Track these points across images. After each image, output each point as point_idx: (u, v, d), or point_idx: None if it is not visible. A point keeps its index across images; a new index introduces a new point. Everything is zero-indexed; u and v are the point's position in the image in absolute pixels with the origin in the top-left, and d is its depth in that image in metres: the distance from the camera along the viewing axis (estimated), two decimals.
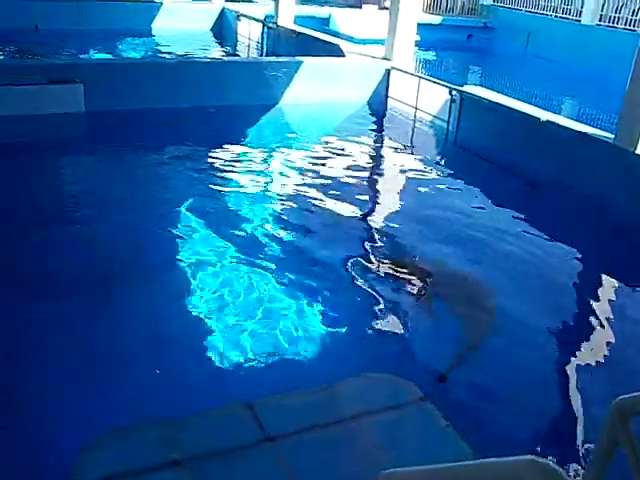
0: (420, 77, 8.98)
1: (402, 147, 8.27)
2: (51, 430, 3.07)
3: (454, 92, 8.10)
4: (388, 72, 9.47)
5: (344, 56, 10.10)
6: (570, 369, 3.90)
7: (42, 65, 8.18)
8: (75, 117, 7.75)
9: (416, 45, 10.49)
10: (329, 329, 4.03)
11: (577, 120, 8.46)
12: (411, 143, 8.52)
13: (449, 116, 8.13)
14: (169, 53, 13.12)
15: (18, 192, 5.85)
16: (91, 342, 3.77)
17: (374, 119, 9.13)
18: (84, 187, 6.20)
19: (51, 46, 12.27)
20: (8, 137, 7.15)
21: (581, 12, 15.99)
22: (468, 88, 8.34)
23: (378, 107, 9.38)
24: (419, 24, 10.20)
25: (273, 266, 4.69)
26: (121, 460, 2.88)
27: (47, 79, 7.63)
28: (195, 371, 3.61)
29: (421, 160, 7.66)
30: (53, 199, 5.87)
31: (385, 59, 9.68)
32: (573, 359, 4.05)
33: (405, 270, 4.81)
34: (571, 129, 6.86)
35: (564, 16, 16.60)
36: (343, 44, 10.80)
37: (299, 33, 12.05)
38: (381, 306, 4.33)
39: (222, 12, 15.83)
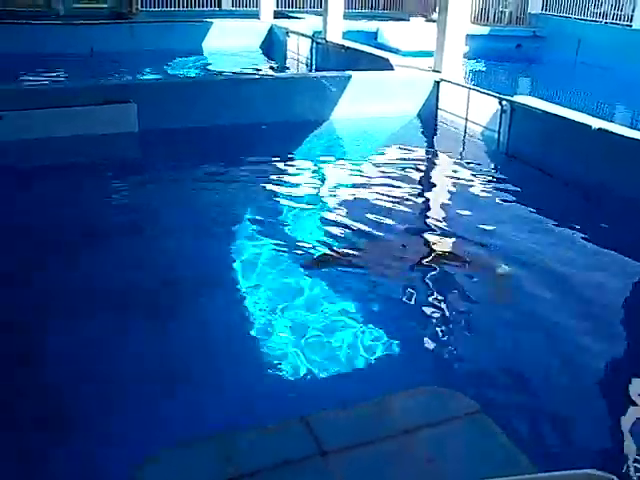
0: (470, 88, 8.92)
1: (453, 158, 8.22)
2: (110, 446, 3.13)
3: (504, 102, 8.02)
4: (437, 84, 9.44)
5: (393, 69, 10.10)
6: None
7: (97, 86, 8.42)
8: (129, 136, 7.93)
9: (465, 56, 10.43)
10: (386, 341, 4.02)
11: (631, 127, 8.28)
12: (462, 154, 8.47)
13: (499, 126, 8.05)
14: (220, 71, 13.31)
15: (74, 211, 6.02)
16: (149, 358, 3.85)
17: (424, 131, 9.11)
18: (140, 205, 6.33)
19: (105, 68, 12.62)
20: (65, 157, 7.39)
21: (632, 17, 15.68)
22: (518, 98, 8.24)
23: (428, 119, 9.35)
24: (468, 35, 10.15)
25: (330, 278, 4.73)
26: (178, 475, 2.92)
27: (102, 99, 7.85)
28: (251, 385, 3.65)
29: (473, 171, 7.59)
30: (108, 217, 6.00)
31: (434, 71, 9.65)
32: None
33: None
34: (625, 136, 6.71)
35: (615, 22, 16.28)
36: (392, 57, 10.81)
37: (348, 47, 12.10)
38: (441, 318, 4.31)
39: (271, 29, 16.03)
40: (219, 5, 19.85)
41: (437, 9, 10.16)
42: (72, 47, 13.77)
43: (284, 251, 5.16)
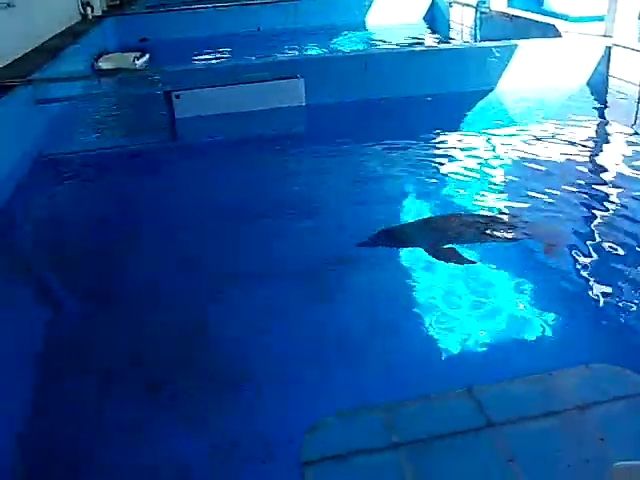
0: None
1: (627, 130, 7.78)
2: (280, 411, 3.29)
3: None
4: (609, 50, 8.93)
5: (560, 36, 9.69)
6: None
7: (266, 63, 8.73)
8: (297, 110, 8.22)
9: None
10: (553, 315, 3.94)
11: None
12: (636, 125, 7.99)
13: None
14: (384, 44, 13.34)
15: (251, 186, 6.29)
16: (316, 327, 3.99)
17: (594, 101, 8.66)
18: (307, 180, 6.49)
19: (272, 45, 13.02)
20: (239, 132, 7.75)
21: None
22: None
23: (598, 88, 8.87)
24: None
25: (494, 252, 4.69)
26: (344, 441, 3.01)
27: (271, 76, 8.14)
28: (416, 355, 3.69)
29: None
30: (282, 192, 6.21)
31: (605, 36, 9.14)
32: None
33: None
34: None
35: None
36: (559, 24, 10.35)
37: (513, 16, 11.73)
38: (614, 295, 4.14)
39: (433, 1, 15.81)
40: None
41: None
42: (242, 27, 14.37)
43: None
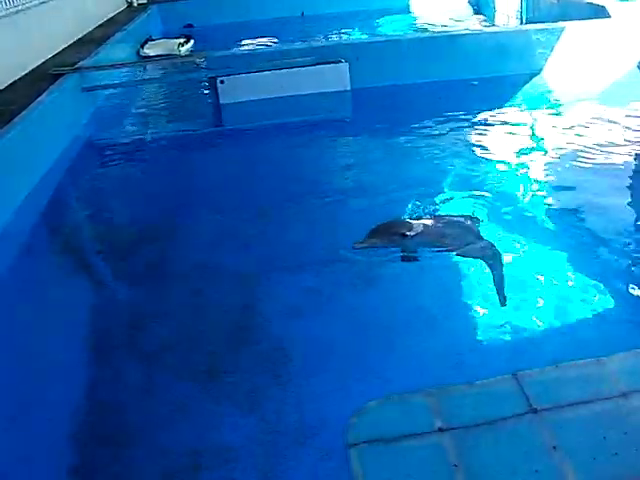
0: None
1: None
2: (325, 396, 3.32)
3: None
4: None
5: (610, 17, 9.47)
6: None
7: (310, 48, 8.71)
8: (342, 95, 8.23)
9: None
10: (601, 301, 3.90)
11: None
12: None
13: None
14: (428, 28, 13.22)
15: (294, 170, 6.35)
16: (359, 314, 4.01)
17: None
18: (353, 163, 6.51)
19: (316, 29, 13.01)
20: (283, 116, 7.83)
21: None
22: None
23: None
24: None
25: (545, 239, 4.63)
26: (388, 425, 3.04)
27: (315, 61, 8.14)
28: (460, 343, 3.68)
29: None
30: (320, 176, 6.23)
31: None
32: None
33: None
34: None
35: None
36: (608, 4, 10.10)
37: None
38: None
39: None
40: None
41: None
42: (286, 11, 14.40)
43: (489, 212, 5.06)
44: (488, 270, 4.24)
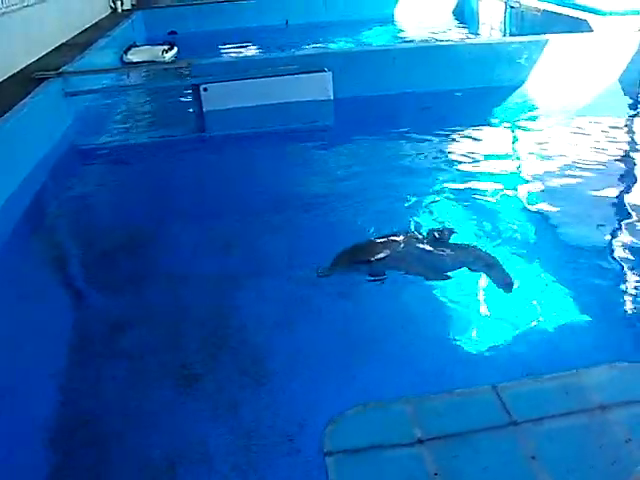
0: None
1: None
2: (303, 403, 3.30)
3: None
4: None
5: (592, 31, 9.56)
6: None
7: (294, 56, 8.71)
8: (325, 104, 8.23)
9: None
10: (578, 314, 3.92)
11: None
12: None
13: None
14: (412, 39, 13.29)
15: (275, 178, 6.34)
16: (338, 321, 4.00)
17: (628, 97, 8.54)
18: (335, 172, 6.47)
19: (300, 39, 13.03)
20: (266, 125, 7.81)
21: None
22: None
23: (632, 85, 8.75)
24: None
25: (525, 251, 4.62)
26: (366, 434, 3.01)
27: (298, 69, 8.15)
28: (440, 353, 3.67)
29: None
30: (302, 185, 6.20)
31: None
32: None
33: None
34: None
35: None
36: (591, 18, 10.21)
37: (543, 10, 11.60)
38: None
39: None
40: None
41: None
42: (269, 20, 14.43)
43: (478, 228, 5.05)
44: (467, 278, 4.25)
